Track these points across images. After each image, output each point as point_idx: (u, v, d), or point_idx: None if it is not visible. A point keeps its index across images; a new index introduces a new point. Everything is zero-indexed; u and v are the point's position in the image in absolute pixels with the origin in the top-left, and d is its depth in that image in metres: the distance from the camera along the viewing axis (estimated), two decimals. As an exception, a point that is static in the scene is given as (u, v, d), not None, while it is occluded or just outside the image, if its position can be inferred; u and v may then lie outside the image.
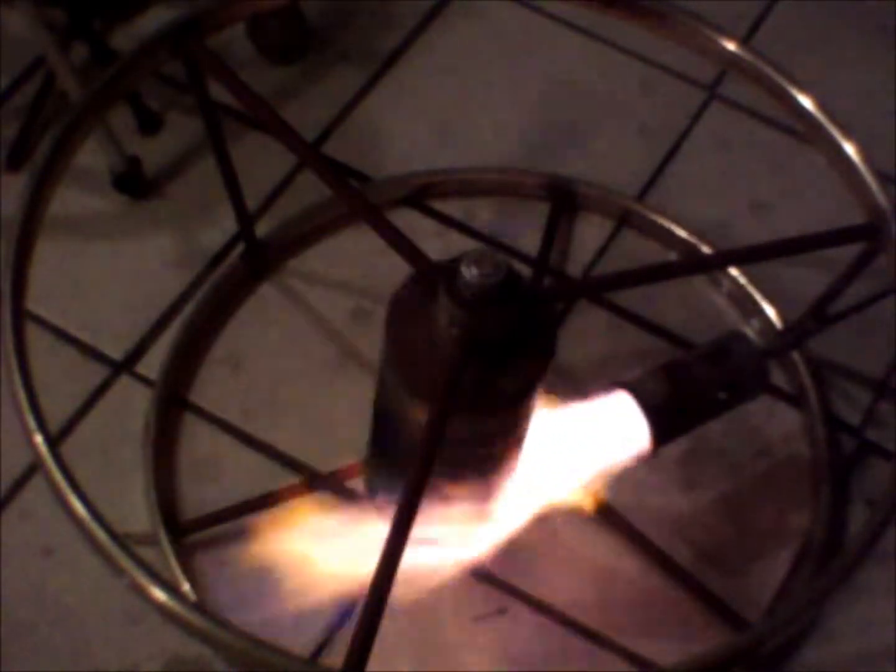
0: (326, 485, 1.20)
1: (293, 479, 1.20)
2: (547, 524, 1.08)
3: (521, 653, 1.14)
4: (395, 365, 0.91)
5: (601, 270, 1.36)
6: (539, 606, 1.16)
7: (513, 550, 1.07)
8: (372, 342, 0.97)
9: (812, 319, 1.16)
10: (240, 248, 1.32)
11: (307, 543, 1.14)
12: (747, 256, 1.18)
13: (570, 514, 1.12)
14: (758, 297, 1.32)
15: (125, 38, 1.43)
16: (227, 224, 1.30)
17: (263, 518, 1.17)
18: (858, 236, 1.05)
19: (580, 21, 1.51)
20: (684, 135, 1.46)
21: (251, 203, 1.27)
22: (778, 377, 1.28)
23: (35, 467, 1.06)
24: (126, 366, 1.26)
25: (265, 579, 1.13)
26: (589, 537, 1.18)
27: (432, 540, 1.00)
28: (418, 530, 0.85)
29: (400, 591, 0.83)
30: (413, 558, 0.85)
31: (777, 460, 1.26)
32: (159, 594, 0.84)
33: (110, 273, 1.31)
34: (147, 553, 1.12)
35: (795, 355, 1.28)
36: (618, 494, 1.17)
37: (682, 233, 1.36)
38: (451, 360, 0.86)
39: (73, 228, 1.33)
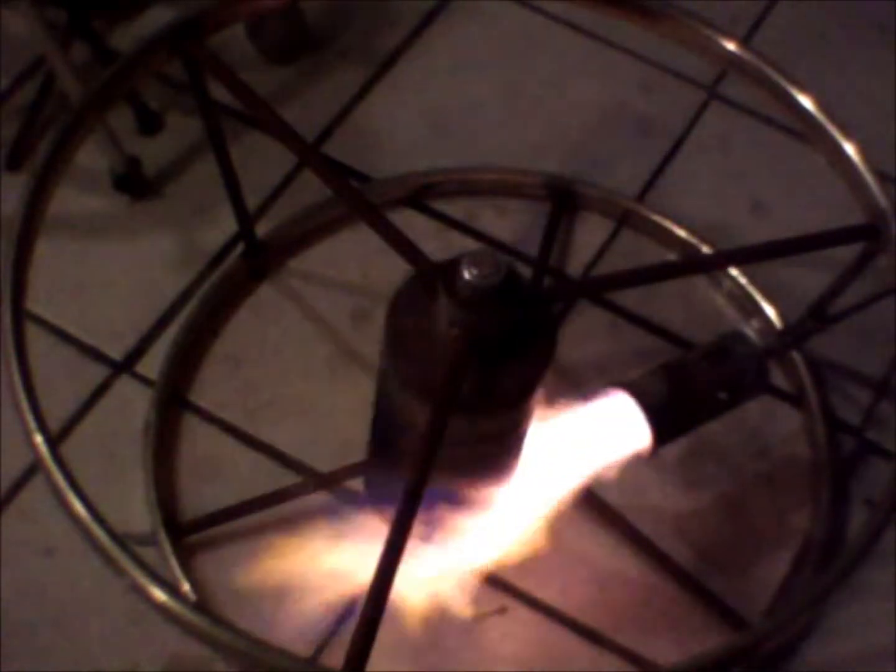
0: (326, 485, 1.20)
1: (293, 479, 1.20)
2: (547, 524, 1.08)
3: (521, 653, 1.14)
4: (395, 365, 0.91)
5: (601, 270, 1.36)
6: (539, 606, 1.16)
7: (513, 550, 1.07)
8: (372, 342, 0.97)
9: (812, 319, 1.16)
10: (240, 248, 1.32)
11: (307, 543, 1.14)
12: (747, 256, 1.18)
13: (570, 514, 1.12)
14: (758, 297, 1.32)
15: (125, 38, 1.43)
16: (227, 224, 1.30)
17: (263, 518, 1.17)
18: (858, 236, 1.05)
19: (580, 21, 1.51)
20: (684, 135, 1.46)
21: (251, 203, 1.28)
22: (778, 377, 1.28)
23: (35, 467, 1.06)
24: (126, 366, 1.26)
25: (265, 579, 1.13)
26: (589, 537, 1.18)
27: (432, 540, 1.00)
28: (418, 531, 0.84)
29: (400, 591, 0.83)
30: (413, 558, 0.85)
31: (777, 460, 1.26)
32: (159, 594, 0.84)
33: (110, 273, 1.31)
34: (147, 553, 1.12)
35: (795, 355, 1.28)
36: (618, 494, 1.17)
37: (682, 233, 1.36)
38: (451, 360, 0.86)
39: (73, 228, 1.33)
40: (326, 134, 1.43)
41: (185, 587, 1.13)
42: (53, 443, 0.89)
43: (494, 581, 1.16)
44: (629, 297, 1.33)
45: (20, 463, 1.17)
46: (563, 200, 1.38)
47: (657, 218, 1.38)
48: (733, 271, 1.33)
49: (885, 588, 1.18)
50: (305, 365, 1.28)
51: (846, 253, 1.09)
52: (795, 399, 1.29)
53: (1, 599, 1.13)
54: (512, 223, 1.38)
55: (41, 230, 0.97)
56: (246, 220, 1.26)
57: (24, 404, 0.89)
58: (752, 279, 1.33)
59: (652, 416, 1.01)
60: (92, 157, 1.29)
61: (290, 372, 1.27)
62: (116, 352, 1.27)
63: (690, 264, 1.33)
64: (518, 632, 1.15)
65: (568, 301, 1.32)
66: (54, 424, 1.08)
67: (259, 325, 1.30)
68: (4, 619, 1.12)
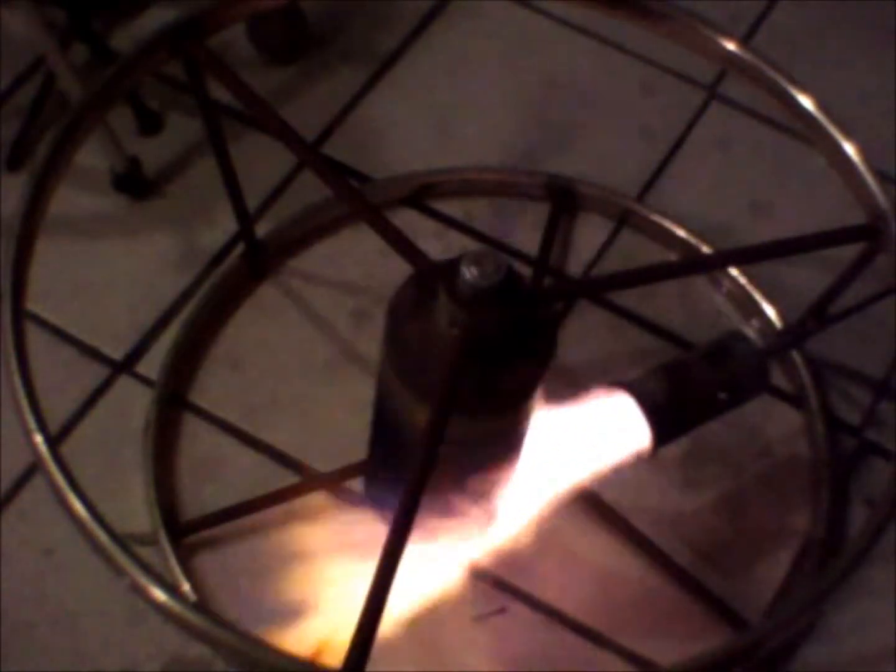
0: (326, 485, 1.20)
1: (293, 479, 1.20)
2: (547, 524, 1.08)
3: (521, 653, 1.14)
4: (395, 365, 0.91)
5: (601, 270, 1.36)
6: (539, 606, 1.16)
7: (513, 550, 1.07)
8: (372, 342, 0.97)
9: (812, 319, 1.16)
10: (240, 248, 1.32)
11: (307, 543, 1.14)
12: (747, 256, 1.18)
13: (570, 514, 1.12)
14: (758, 297, 1.32)
15: (125, 38, 1.43)
16: (227, 224, 1.30)
17: (263, 518, 1.17)
18: (858, 236, 1.05)
19: (580, 21, 1.51)
20: (684, 135, 1.46)
21: (251, 203, 1.27)
22: (778, 377, 1.28)
23: (35, 467, 1.06)
24: (126, 366, 1.26)
25: (265, 579, 1.13)
26: (589, 537, 1.18)
27: (432, 540, 1.00)
28: (418, 531, 0.84)
29: (400, 591, 0.83)
30: (413, 558, 0.85)
31: (777, 460, 1.26)
32: (159, 594, 0.84)
33: (110, 273, 1.31)
34: (147, 553, 1.12)
35: (795, 355, 1.28)
36: (618, 494, 1.17)
37: (682, 233, 1.36)
38: (451, 361, 0.86)
39: (73, 228, 1.33)
40: (326, 134, 1.43)
41: (185, 587, 1.13)
42: (53, 443, 0.89)
43: (494, 581, 1.16)
44: (629, 297, 1.33)
45: (20, 463, 1.17)
46: (563, 200, 1.38)
47: (657, 218, 1.38)
48: (733, 271, 1.33)
49: (885, 588, 1.18)
50: (305, 365, 1.28)
51: (846, 253, 1.09)
52: (795, 399, 1.29)
53: (1, 599, 1.13)
54: (512, 223, 1.38)
55: (41, 230, 0.97)
56: (246, 220, 1.26)
57: (24, 404, 0.89)
58: (752, 279, 1.33)
59: (652, 416, 1.01)
60: (92, 157, 1.29)
61: (290, 372, 1.27)
62: (116, 352, 1.27)
63: (690, 264, 1.33)
64: (518, 632, 1.15)
65: (568, 301, 1.32)
66: (54, 424, 1.09)
67: (259, 325, 1.30)
68: (4, 619, 1.12)
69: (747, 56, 1.08)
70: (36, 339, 1.20)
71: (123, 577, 0.85)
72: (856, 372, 1.31)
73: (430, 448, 0.86)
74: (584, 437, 1.01)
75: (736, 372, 1.04)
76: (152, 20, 1.43)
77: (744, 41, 1.09)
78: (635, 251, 1.37)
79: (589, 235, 1.38)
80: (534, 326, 0.89)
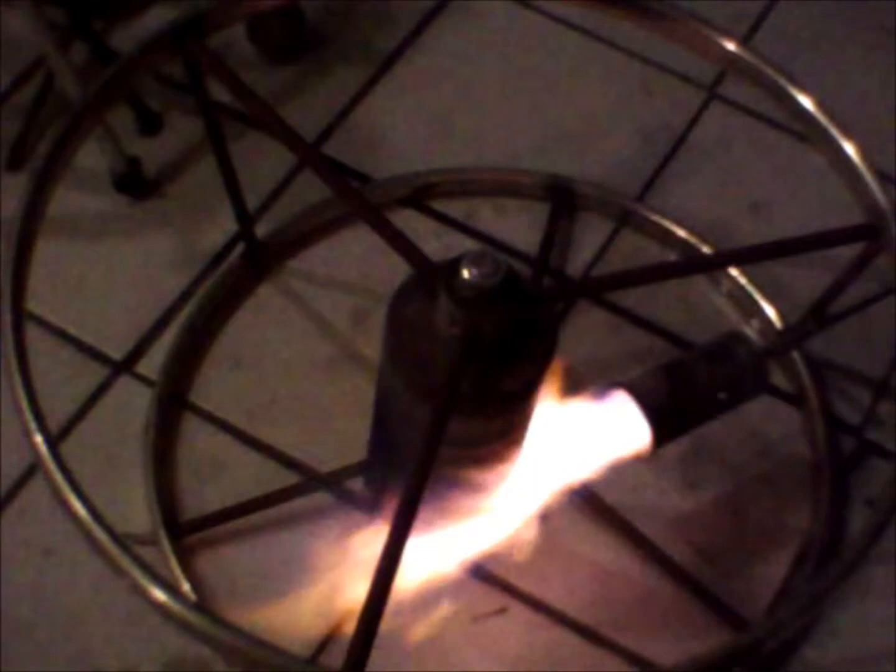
0: (326, 485, 1.20)
1: (293, 479, 1.20)
2: (547, 524, 1.08)
3: (521, 653, 1.14)
4: (395, 365, 0.91)
5: (601, 270, 1.36)
6: (539, 606, 1.16)
7: (513, 550, 1.07)
8: (372, 342, 0.97)
9: (812, 319, 1.16)
10: (240, 248, 1.32)
11: (307, 544, 1.14)
12: (747, 256, 1.18)
13: (570, 514, 1.12)
14: (758, 297, 1.32)
15: (125, 38, 1.43)
16: (227, 224, 1.30)
17: (263, 518, 1.17)
18: (858, 236, 1.05)
19: (580, 21, 1.51)
20: (684, 135, 1.46)
21: (251, 203, 1.27)
22: (778, 377, 1.28)
23: (35, 467, 1.06)
24: (126, 366, 1.26)
25: (265, 580, 1.13)
26: (589, 537, 1.18)
27: (432, 540, 1.00)
28: (418, 530, 0.84)
29: (400, 590, 0.83)
30: (413, 558, 0.85)
31: (777, 460, 1.26)
32: (159, 594, 0.84)
33: (110, 273, 1.31)
34: (147, 553, 1.12)
35: (795, 355, 1.28)
36: (618, 494, 1.17)
37: (682, 233, 1.36)
38: (451, 361, 0.86)
39: (73, 228, 1.33)
40: (326, 134, 1.43)
41: (185, 587, 1.13)
42: (53, 443, 0.89)
43: (494, 581, 1.16)
44: (629, 297, 1.33)
45: (20, 463, 1.17)
46: (563, 200, 1.38)
47: (657, 218, 1.38)
48: (733, 271, 1.33)
49: (885, 588, 1.18)
50: (305, 365, 1.28)
51: (846, 253, 1.09)
52: (795, 399, 1.29)
53: (1, 599, 1.13)
54: (512, 223, 1.38)
55: (41, 230, 0.97)
56: (246, 220, 1.26)
57: (24, 404, 0.89)
58: (752, 279, 1.33)
59: (652, 416, 1.01)
60: (92, 157, 1.29)
61: (290, 372, 1.27)
62: (116, 352, 1.27)
63: (690, 264, 1.33)
64: (518, 632, 1.15)
65: (568, 301, 1.32)
66: (54, 424, 1.08)
67: (259, 325, 1.30)
68: (4, 619, 1.12)
69: (747, 56, 1.08)
70: (36, 339, 1.20)
71: (123, 577, 0.85)
72: (856, 372, 1.31)
73: (429, 448, 0.86)
74: (584, 436, 1.01)
75: (736, 372, 1.04)
76: (152, 20, 1.43)
77: (744, 41, 1.09)
78: (635, 251, 1.37)
79: (589, 235, 1.38)
80: (534, 326, 0.89)
